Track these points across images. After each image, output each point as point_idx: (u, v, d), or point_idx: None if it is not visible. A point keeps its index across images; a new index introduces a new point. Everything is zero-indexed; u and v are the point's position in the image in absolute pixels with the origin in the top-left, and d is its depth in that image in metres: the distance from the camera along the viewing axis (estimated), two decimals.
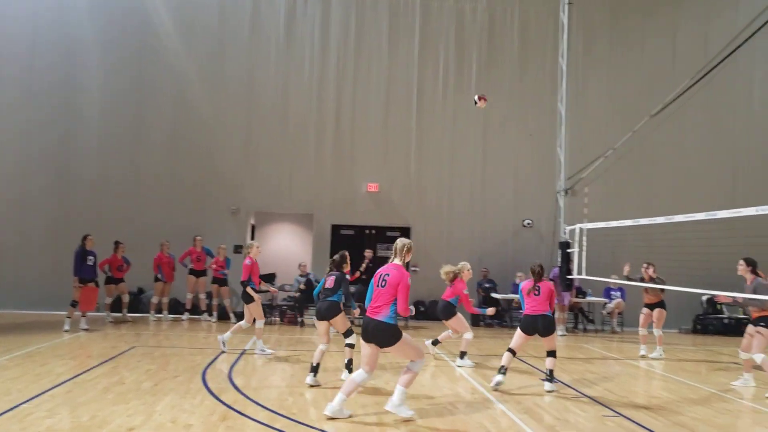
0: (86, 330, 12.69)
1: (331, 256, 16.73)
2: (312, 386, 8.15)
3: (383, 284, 6.68)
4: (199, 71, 17.16)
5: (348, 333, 8.73)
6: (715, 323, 16.76)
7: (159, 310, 15.25)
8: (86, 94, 16.78)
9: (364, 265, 15.22)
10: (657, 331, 12.02)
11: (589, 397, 8.08)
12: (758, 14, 11.99)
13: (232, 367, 9.34)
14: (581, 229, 14.99)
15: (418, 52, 17.71)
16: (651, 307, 12.23)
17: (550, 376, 8.38)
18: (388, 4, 17.68)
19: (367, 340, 6.69)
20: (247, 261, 10.84)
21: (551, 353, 8.43)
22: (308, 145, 17.31)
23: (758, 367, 9.02)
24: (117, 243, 14.73)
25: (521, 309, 8.89)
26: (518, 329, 8.65)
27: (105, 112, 16.82)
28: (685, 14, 18.30)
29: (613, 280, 15.61)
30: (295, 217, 18.51)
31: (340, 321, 8.70)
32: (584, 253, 14.69)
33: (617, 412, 7.27)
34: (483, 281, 16.59)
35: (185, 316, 15.37)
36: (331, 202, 17.25)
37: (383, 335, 6.59)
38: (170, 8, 17.11)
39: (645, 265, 12.16)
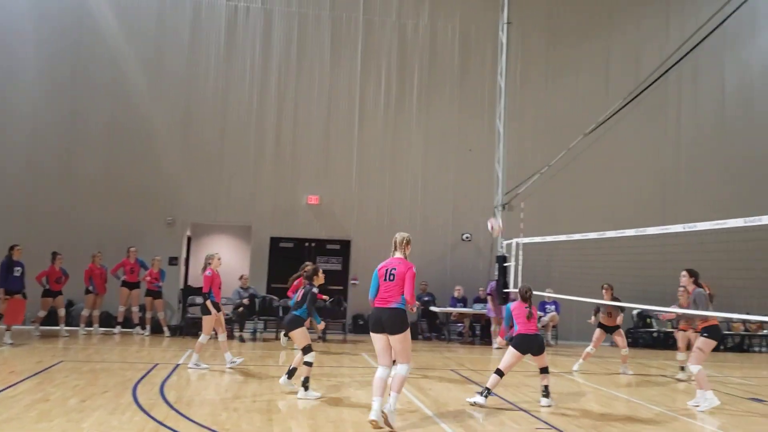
0: (11, 344, 12.17)
1: (270, 268, 16.84)
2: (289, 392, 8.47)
3: (392, 278, 7.11)
4: (136, 79, 16.79)
5: (306, 350, 8.52)
6: (645, 337, 17.29)
7: (89, 324, 14.77)
8: (17, 101, 16.25)
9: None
10: (625, 351, 12.28)
11: (522, 410, 8.19)
12: (686, 39, 12.50)
13: (164, 381, 9.09)
14: (518, 244, 15.28)
15: (361, 67, 17.79)
16: (610, 329, 12.29)
17: (546, 392, 8.52)
18: (331, 18, 17.72)
19: (379, 330, 7.01)
20: (208, 272, 10.55)
21: (545, 370, 8.62)
22: (248, 156, 17.12)
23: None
24: (54, 254, 14.15)
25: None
26: (512, 349, 8.63)
27: (35, 126, 16.28)
28: (619, 37, 18.96)
29: (548, 294, 15.95)
30: (233, 228, 18.27)
31: (299, 336, 8.58)
32: (520, 267, 14.97)
33: (549, 425, 7.39)
34: (422, 294, 16.68)
35: (117, 329, 14.93)
36: (270, 214, 17.09)
37: (396, 320, 6.94)
38: (109, 15, 16.71)
39: (606, 287, 12.30)
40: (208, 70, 17.17)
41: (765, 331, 17.15)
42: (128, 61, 16.77)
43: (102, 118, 16.56)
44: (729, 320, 17.01)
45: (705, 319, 9.01)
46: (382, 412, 6.73)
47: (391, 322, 6.95)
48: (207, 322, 10.50)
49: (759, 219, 8.47)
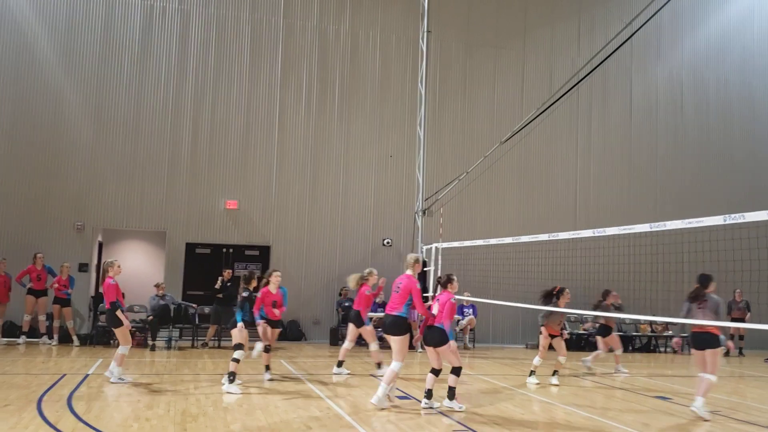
0: None
1: (185, 274, 16.41)
2: None
3: (398, 290, 8.56)
4: (44, 78, 16.04)
5: (237, 347, 9.54)
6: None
7: None
8: None
9: (219, 283, 14.68)
10: (618, 351, 13.20)
11: (440, 412, 8.29)
12: (595, 53, 13.02)
13: (72, 392, 8.71)
14: (436, 248, 15.50)
15: (281, 71, 17.62)
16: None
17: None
18: (250, 22, 17.48)
19: (385, 332, 8.81)
20: (110, 281, 9.88)
21: (454, 370, 8.44)
22: (162, 160, 16.63)
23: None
24: None
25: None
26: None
27: None
28: (533, 50, 19.57)
29: (466, 297, 16.22)
30: (147, 234, 17.74)
31: (236, 333, 9.73)
32: (439, 272, 15.17)
33: (466, 426, 7.50)
34: (342, 300, 16.63)
35: (21, 339, 14.20)
36: (185, 220, 16.66)
37: (396, 326, 8.47)
38: (16, 9, 15.94)
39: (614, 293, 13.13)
40: (122, 71, 16.58)
41: (670, 332, 17.98)
42: (35, 57, 16.01)
43: (5, 117, 15.73)
44: (637, 321, 17.76)
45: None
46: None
47: (391, 326, 8.52)
48: (123, 332, 9.89)
49: (663, 224, 8.92)
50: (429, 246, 16.29)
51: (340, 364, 11.46)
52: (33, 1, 16.10)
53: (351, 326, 11.60)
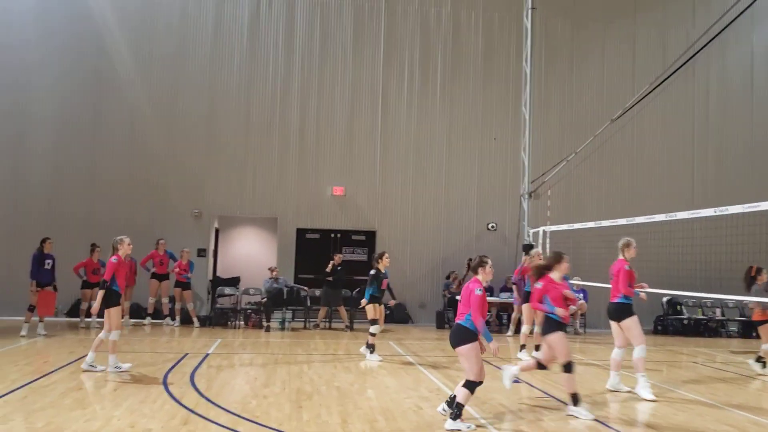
0: (44, 335, 12.40)
1: (296, 258, 16.92)
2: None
3: (612, 276, 8.25)
4: (160, 73, 16.92)
5: (373, 322, 10.85)
6: (675, 324, 17.06)
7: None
8: (40, 99, 16.40)
9: (330, 267, 15.16)
10: None
11: (552, 396, 8.14)
12: (713, 24, 12.27)
13: (194, 370, 9.19)
14: (544, 232, 15.15)
15: (383, 56, 17.73)
16: None
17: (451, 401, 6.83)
18: (353, 8, 17.67)
19: (611, 318, 8.62)
20: (113, 259, 9.16)
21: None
22: (272, 149, 17.18)
23: None
24: (93, 246, 14.37)
25: (487, 313, 8.80)
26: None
27: (60, 113, 16.45)
28: (644, 23, 18.68)
29: (576, 282, 15.80)
30: (260, 220, 18.38)
31: (370, 309, 11.00)
32: (548, 255, 14.83)
33: (599, 421, 7.32)
34: (450, 283, 16.61)
35: (147, 320, 15.11)
36: (295, 206, 17.15)
37: (620, 311, 8.30)
38: (129, 9, 16.86)
39: None
40: (232, 64, 17.23)
41: None
42: (151, 58, 16.90)
43: (125, 114, 16.70)
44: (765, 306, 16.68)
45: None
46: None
47: (615, 312, 8.49)
48: (114, 315, 9.10)
49: None
50: (536, 229, 15.96)
51: (522, 347, 11.56)
52: (145, 3, 16.95)
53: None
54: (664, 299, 17.17)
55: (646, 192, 17.80)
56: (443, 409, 6.75)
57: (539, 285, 7.44)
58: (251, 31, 17.32)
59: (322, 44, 17.55)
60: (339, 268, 15.23)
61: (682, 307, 17.26)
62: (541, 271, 7.58)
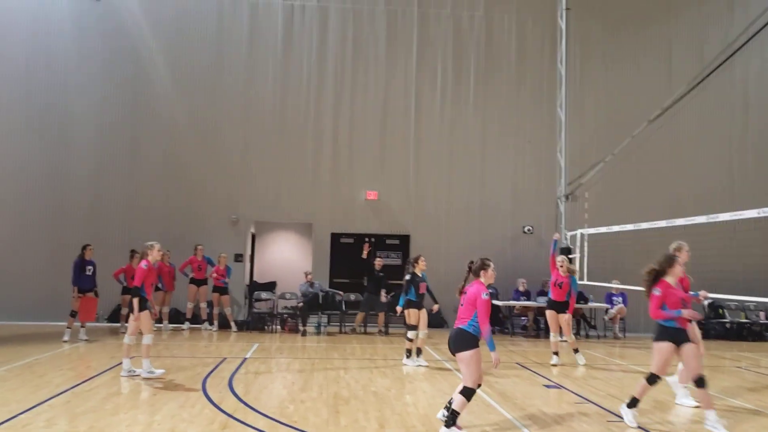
0: (86, 340, 12.65)
1: (331, 263, 16.98)
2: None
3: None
4: (194, 85, 17.15)
5: (411, 327, 10.77)
6: (718, 328, 16.67)
7: (159, 320, 15.19)
8: (80, 119, 16.74)
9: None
10: None
11: (592, 402, 8.02)
12: (753, 21, 12.01)
13: (232, 375, 9.28)
14: (582, 235, 14.97)
15: (416, 61, 17.73)
16: None
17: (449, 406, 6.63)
18: (386, 13, 17.72)
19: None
20: (143, 265, 9.16)
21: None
22: (306, 154, 17.29)
23: None
24: (133, 252, 14.59)
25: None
26: None
27: (100, 131, 16.77)
28: (681, 21, 18.37)
29: (615, 285, 15.59)
30: (295, 226, 18.50)
31: (413, 314, 10.85)
32: (585, 259, 14.66)
33: (621, 417, 7.20)
34: None
35: (186, 325, 15.30)
36: (330, 211, 17.22)
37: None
38: (164, 22, 17.13)
39: None
40: (266, 71, 17.39)
41: None
42: (189, 65, 17.17)
43: (163, 123, 16.97)
44: None
45: None
46: None
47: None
48: (144, 319, 9.17)
49: None
50: (573, 232, 15.77)
51: (575, 351, 11.37)
52: (181, 12, 17.21)
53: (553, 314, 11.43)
54: (706, 303, 16.81)
55: (685, 193, 17.46)
56: (443, 415, 6.52)
57: (657, 291, 6.89)
58: (285, 39, 17.46)
59: (355, 50, 17.62)
60: (381, 274, 15.23)
61: (725, 310, 16.89)
62: (656, 277, 7.00)
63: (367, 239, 15.53)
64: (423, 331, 10.82)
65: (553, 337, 11.29)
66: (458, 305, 6.66)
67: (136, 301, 9.12)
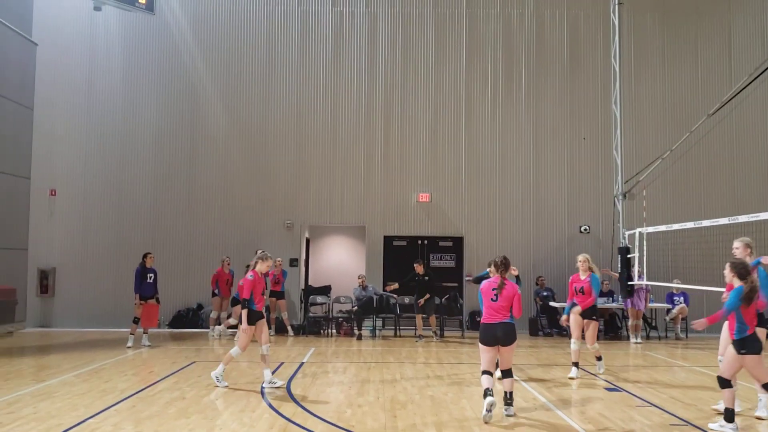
0: (148, 346, 12.99)
1: (385, 266, 17.00)
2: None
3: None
4: (248, 93, 17.45)
5: None
6: None
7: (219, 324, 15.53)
8: (140, 125, 17.24)
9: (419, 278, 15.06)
10: None
11: (654, 405, 7.84)
12: None
13: (290, 379, 9.40)
14: (640, 234, 14.62)
15: (466, 61, 17.63)
16: None
17: (510, 399, 7.34)
18: (434, 15, 17.68)
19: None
20: (249, 276, 9.03)
21: (507, 373, 7.38)
22: (358, 158, 17.39)
23: None
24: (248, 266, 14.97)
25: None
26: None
27: (159, 142, 17.23)
28: (740, 9, 17.78)
29: (676, 285, 15.19)
30: (348, 229, 18.61)
31: None
32: (645, 258, 14.32)
33: (685, 421, 7.02)
34: (540, 290, 16.32)
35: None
36: (382, 214, 17.27)
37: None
38: (218, 32, 17.51)
39: None
40: (318, 77, 17.56)
41: None
42: (243, 74, 17.49)
43: (219, 133, 17.33)
44: None
45: None
46: None
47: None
48: (258, 330, 9.07)
49: None
50: (632, 231, 15.40)
51: (598, 359, 10.33)
52: (237, 22, 17.55)
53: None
54: None
55: (748, 189, 16.89)
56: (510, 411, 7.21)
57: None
58: (335, 44, 17.61)
59: (404, 53, 17.63)
60: (427, 278, 15.08)
61: None
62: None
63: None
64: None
65: (574, 344, 9.97)
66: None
67: (244, 313, 8.93)
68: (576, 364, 9.95)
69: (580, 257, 10.36)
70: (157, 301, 13.64)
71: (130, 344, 12.88)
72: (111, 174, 17.08)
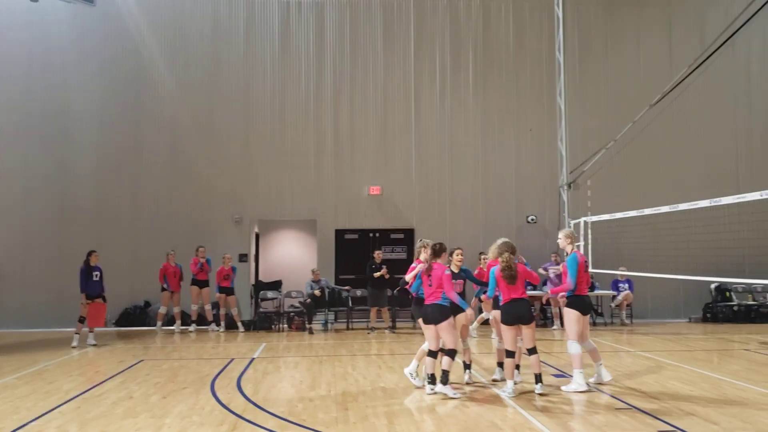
0: (94, 345, 12.69)
1: (336, 260, 16.96)
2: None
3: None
4: (194, 84, 17.16)
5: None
6: (725, 311, 16.65)
7: (171, 322, 15.26)
8: (81, 120, 16.76)
9: (383, 272, 14.95)
10: None
11: (601, 390, 8.02)
12: None
13: (240, 375, 9.30)
14: (586, 222, 14.95)
15: (414, 53, 17.68)
16: None
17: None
18: (382, 6, 17.66)
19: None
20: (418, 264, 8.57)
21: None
22: (308, 151, 17.28)
23: None
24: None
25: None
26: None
27: (102, 135, 16.78)
28: (680, 3, 18.26)
29: (621, 272, 15.57)
30: (299, 223, 18.50)
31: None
32: (590, 247, 14.64)
33: (630, 405, 7.20)
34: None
35: (192, 327, 15.32)
36: (333, 207, 17.22)
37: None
38: (163, 22, 17.15)
39: None
40: (265, 69, 17.37)
41: None
42: (188, 65, 17.17)
43: (164, 124, 16.99)
44: None
45: None
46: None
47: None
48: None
49: None
50: (577, 220, 15.74)
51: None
52: (177, 15, 17.21)
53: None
54: (713, 286, 16.79)
55: (689, 177, 17.40)
56: (431, 389, 7.76)
57: None
58: (282, 35, 17.44)
59: (353, 44, 17.58)
60: (383, 266, 15.03)
61: (732, 293, 16.85)
62: None
63: (383, 265, 15.13)
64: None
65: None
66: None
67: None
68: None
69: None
70: (104, 299, 13.32)
71: (75, 344, 12.57)
72: (52, 169, 16.56)
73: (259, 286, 16.60)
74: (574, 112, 17.21)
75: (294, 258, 18.65)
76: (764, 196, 9.48)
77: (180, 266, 15.35)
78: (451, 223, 17.37)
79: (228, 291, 15.37)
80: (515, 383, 7.92)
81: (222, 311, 15.43)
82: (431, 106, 17.61)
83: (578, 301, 8.21)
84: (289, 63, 17.43)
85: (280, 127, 17.27)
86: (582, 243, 14.95)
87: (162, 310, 15.19)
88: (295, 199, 17.18)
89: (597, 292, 16.07)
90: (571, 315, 8.19)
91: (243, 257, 16.86)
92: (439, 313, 7.76)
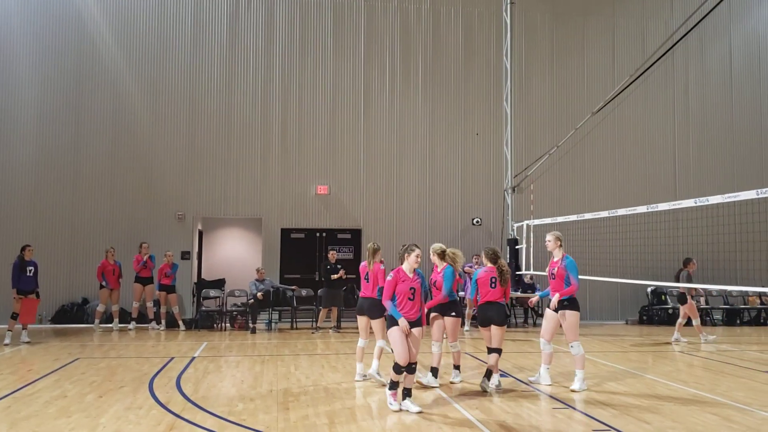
0: (27, 343, 12.28)
1: (282, 259, 16.83)
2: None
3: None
4: (138, 78, 16.78)
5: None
6: (660, 314, 17.19)
7: (110, 320, 14.90)
8: (19, 112, 16.23)
9: (340, 275, 14.80)
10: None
11: (539, 391, 8.17)
12: (691, 14, 12.35)
13: (180, 374, 9.14)
14: (528, 226, 15.22)
15: (364, 54, 17.70)
16: None
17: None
18: (332, 6, 17.62)
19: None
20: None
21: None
22: (254, 149, 17.09)
23: None
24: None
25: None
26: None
27: (41, 125, 16.27)
28: (623, 14, 18.80)
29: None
30: (244, 221, 18.29)
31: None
32: (531, 250, 14.91)
33: (567, 405, 7.36)
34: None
35: (132, 325, 14.98)
36: (279, 206, 17.08)
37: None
38: (108, 15, 16.72)
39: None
40: (212, 64, 17.12)
41: None
42: (130, 57, 16.78)
43: (106, 116, 16.56)
44: (745, 294, 16.94)
45: None
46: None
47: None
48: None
49: None
50: (520, 223, 16.02)
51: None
52: (123, 3, 16.82)
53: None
54: (649, 289, 17.31)
55: (629, 183, 17.98)
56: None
57: None
58: (230, 31, 17.22)
59: (302, 43, 17.48)
60: (339, 266, 14.81)
61: (667, 297, 17.40)
62: None
63: (339, 265, 14.97)
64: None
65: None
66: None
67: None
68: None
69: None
70: (37, 295, 12.90)
71: (7, 341, 12.14)
72: None
73: (202, 284, 16.33)
74: (520, 117, 17.52)
75: (238, 256, 18.43)
76: (698, 204, 9.84)
77: (119, 263, 15.00)
78: (398, 224, 17.45)
79: (169, 289, 15.09)
80: (452, 382, 8.48)
81: (163, 309, 15.14)
82: (380, 107, 17.66)
83: (577, 303, 8.57)
84: (237, 59, 17.22)
85: (226, 123, 17.04)
86: (524, 246, 15.24)
87: (100, 307, 14.81)
88: (240, 197, 16.98)
89: (537, 294, 16.33)
90: (572, 317, 8.41)
91: (185, 255, 16.57)
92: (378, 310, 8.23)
